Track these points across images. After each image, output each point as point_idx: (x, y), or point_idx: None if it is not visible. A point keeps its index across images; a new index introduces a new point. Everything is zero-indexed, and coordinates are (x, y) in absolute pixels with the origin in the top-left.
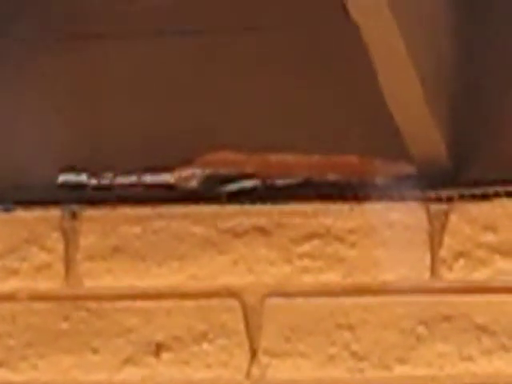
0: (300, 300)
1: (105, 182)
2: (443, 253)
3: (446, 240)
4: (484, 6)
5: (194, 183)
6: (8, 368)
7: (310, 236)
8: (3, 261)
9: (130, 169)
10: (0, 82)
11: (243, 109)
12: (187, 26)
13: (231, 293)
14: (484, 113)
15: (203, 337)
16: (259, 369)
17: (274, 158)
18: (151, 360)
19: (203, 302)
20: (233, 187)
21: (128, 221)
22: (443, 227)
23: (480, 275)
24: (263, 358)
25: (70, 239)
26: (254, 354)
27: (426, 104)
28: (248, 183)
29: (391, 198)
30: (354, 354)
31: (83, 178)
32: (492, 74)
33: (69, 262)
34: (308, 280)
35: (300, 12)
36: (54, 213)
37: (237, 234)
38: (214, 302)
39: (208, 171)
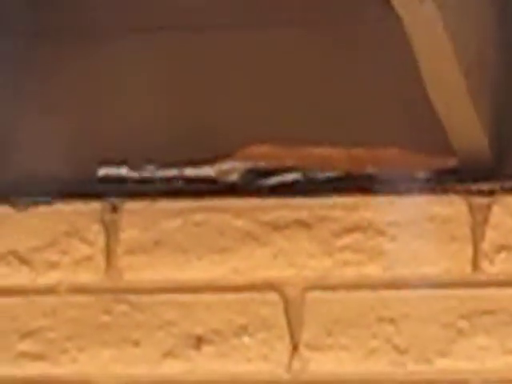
0: (341, 293)
1: (145, 174)
2: (485, 246)
3: (488, 233)
4: None
5: (234, 176)
6: (49, 361)
7: (351, 229)
8: (44, 254)
9: (171, 162)
10: (31, 78)
11: (284, 102)
12: (228, 20)
13: (272, 286)
14: None
15: (244, 330)
16: (300, 362)
17: (314, 151)
18: (192, 353)
19: (244, 296)
20: (273, 180)
21: (168, 214)
22: (485, 220)
23: None
24: (304, 352)
25: (110, 232)
26: (294, 347)
27: (468, 97)
28: (288, 176)
29: (433, 191)
30: (395, 348)
31: (123, 171)
32: None
33: (109, 255)
34: (349, 273)
35: (340, 4)
36: (95, 206)
37: (277, 227)
38: (255, 295)
39: (249, 164)
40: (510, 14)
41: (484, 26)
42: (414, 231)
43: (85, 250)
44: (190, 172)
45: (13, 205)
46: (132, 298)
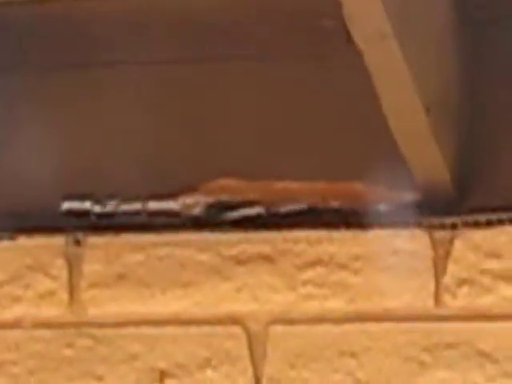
0: (304, 327)
1: (109, 209)
2: (447, 280)
3: (450, 267)
4: (493, 32)
5: (197, 210)
6: None
7: (314, 263)
8: (7, 288)
9: (134, 196)
10: (2, 108)
11: (247, 136)
12: (184, 54)
13: (235, 320)
14: (489, 140)
15: (207, 364)
16: None
17: (277, 185)
18: None
19: (207, 329)
20: (236, 214)
21: (132, 248)
22: (447, 254)
23: (484, 302)
24: None
25: (73, 266)
26: (257, 381)
27: (430, 132)
28: (252, 210)
29: (395, 225)
30: (357, 381)
31: (87, 205)
32: (499, 102)
33: (73, 289)
34: (312, 307)
35: (302, 41)
36: (58, 240)
37: (240, 261)
38: (218, 329)
39: (212, 198)
40: (473, 51)
41: (447, 62)
42: (377, 265)
43: (48, 284)
44: (153, 206)
45: None
46: (95, 331)
